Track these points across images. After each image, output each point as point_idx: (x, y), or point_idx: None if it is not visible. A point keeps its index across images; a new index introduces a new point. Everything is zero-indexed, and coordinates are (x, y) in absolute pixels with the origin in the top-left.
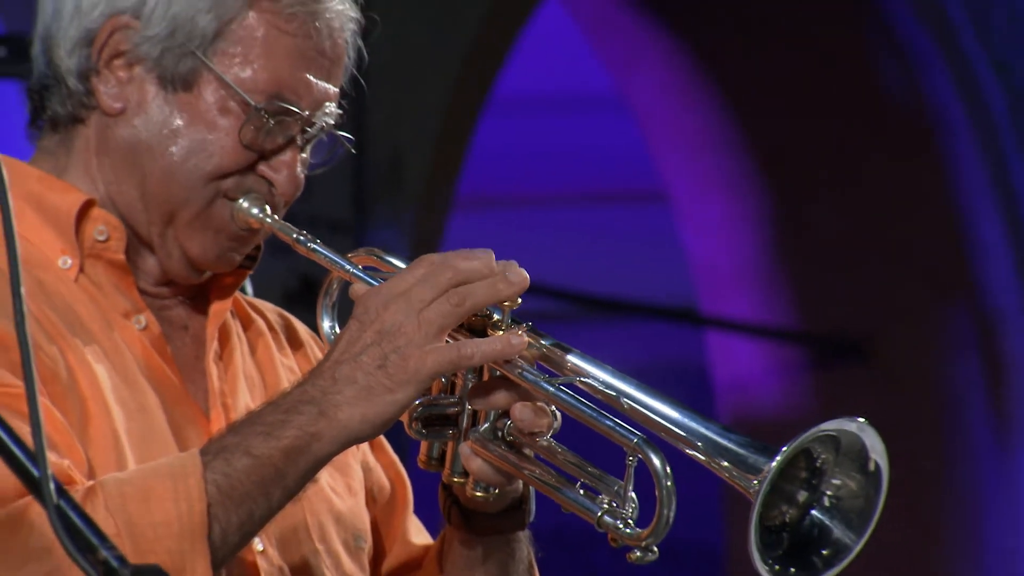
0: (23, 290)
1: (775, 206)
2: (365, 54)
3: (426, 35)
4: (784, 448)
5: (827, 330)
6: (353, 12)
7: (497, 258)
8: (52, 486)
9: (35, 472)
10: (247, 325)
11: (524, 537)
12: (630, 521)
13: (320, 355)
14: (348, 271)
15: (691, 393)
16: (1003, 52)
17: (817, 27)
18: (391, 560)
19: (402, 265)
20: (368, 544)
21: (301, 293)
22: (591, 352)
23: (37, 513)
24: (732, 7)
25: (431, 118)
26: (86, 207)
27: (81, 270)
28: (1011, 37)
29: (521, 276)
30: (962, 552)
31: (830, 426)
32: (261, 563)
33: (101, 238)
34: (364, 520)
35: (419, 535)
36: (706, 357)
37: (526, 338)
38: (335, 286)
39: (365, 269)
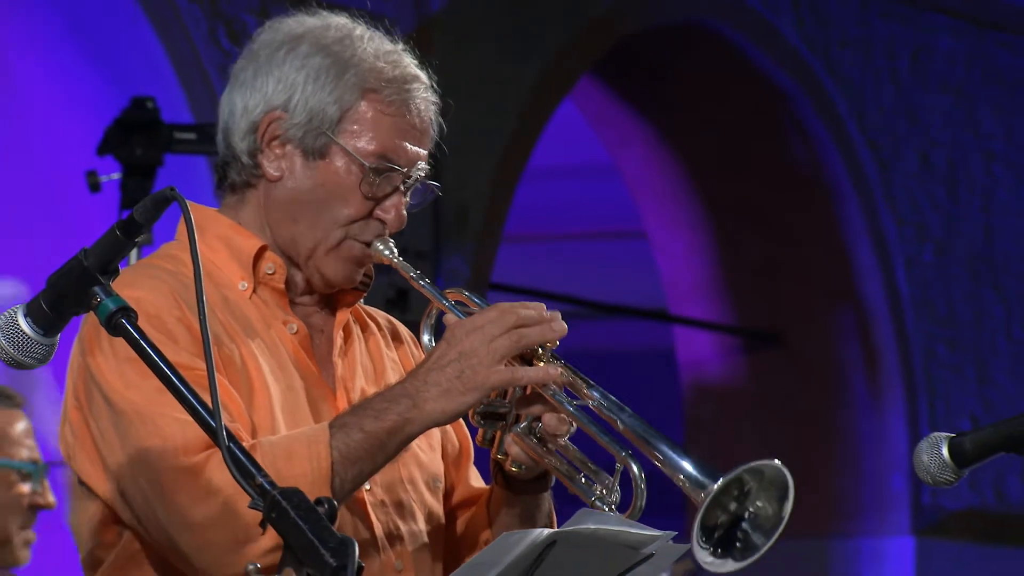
0: (205, 299)
1: (719, 240)
2: (444, 128)
3: (483, 122)
4: (725, 476)
5: (755, 325)
6: (434, 98)
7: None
8: (225, 433)
9: (213, 424)
10: (364, 328)
11: (547, 496)
12: (613, 507)
13: (415, 350)
14: (444, 304)
15: (662, 369)
16: (875, 136)
17: (748, 119)
18: (456, 496)
19: (482, 304)
20: (442, 484)
21: (396, 300)
22: (606, 349)
23: (212, 464)
24: (692, 106)
25: (487, 180)
26: (262, 250)
27: (254, 291)
28: (881, 125)
29: (562, 326)
30: (846, 473)
31: (757, 463)
32: (368, 498)
33: (270, 272)
34: (440, 467)
35: (477, 480)
36: (673, 344)
37: (559, 370)
38: (434, 312)
39: (456, 303)
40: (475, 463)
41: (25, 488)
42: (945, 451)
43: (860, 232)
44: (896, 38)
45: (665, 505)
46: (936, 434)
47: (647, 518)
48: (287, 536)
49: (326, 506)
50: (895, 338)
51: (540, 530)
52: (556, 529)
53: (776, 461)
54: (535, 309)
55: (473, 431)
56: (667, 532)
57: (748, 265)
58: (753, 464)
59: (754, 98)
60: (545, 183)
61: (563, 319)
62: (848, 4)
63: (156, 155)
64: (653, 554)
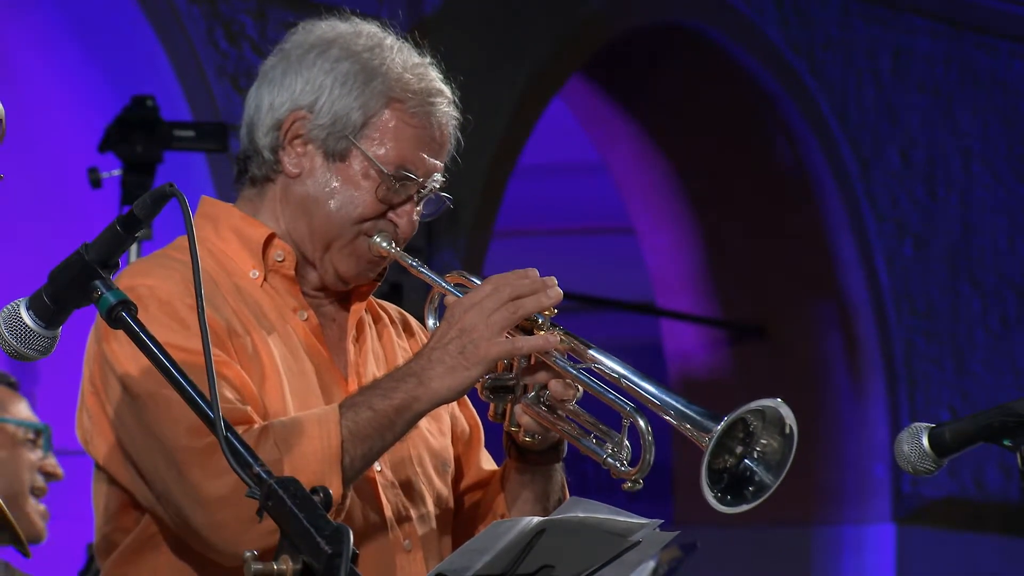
0: (216, 289)
1: (705, 235)
2: (462, 143)
3: (475, 120)
4: (727, 417)
5: (739, 318)
6: (455, 113)
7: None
8: (222, 424)
9: (211, 414)
10: (376, 318)
11: (559, 467)
12: (625, 462)
13: (425, 339)
14: (443, 286)
15: (649, 361)
16: (856, 134)
17: (733, 118)
18: (467, 480)
19: (479, 283)
20: (451, 468)
21: (389, 293)
22: (595, 341)
23: None
24: (679, 105)
25: (478, 179)
26: (270, 238)
27: (265, 279)
28: (862, 124)
29: (557, 293)
30: (828, 461)
31: (758, 403)
32: (379, 479)
33: (279, 259)
34: (449, 452)
35: (488, 463)
36: (660, 336)
37: (559, 336)
38: (436, 297)
39: (455, 285)
40: (487, 445)
41: (33, 456)
42: (925, 441)
43: (842, 228)
44: (877, 40)
45: (653, 492)
46: (916, 424)
47: (635, 505)
48: (283, 524)
49: (322, 495)
50: (876, 330)
51: (529, 518)
52: (544, 517)
53: (777, 399)
54: (529, 278)
55: (484, 408)
56: (653, 520)
57: (733, 259)
58: (754, 404)
59: (739, 98)
60: (535, 180)
61: (558, 310)
62: (830, 7)
63: (156, 152)
64: (640, 542)
